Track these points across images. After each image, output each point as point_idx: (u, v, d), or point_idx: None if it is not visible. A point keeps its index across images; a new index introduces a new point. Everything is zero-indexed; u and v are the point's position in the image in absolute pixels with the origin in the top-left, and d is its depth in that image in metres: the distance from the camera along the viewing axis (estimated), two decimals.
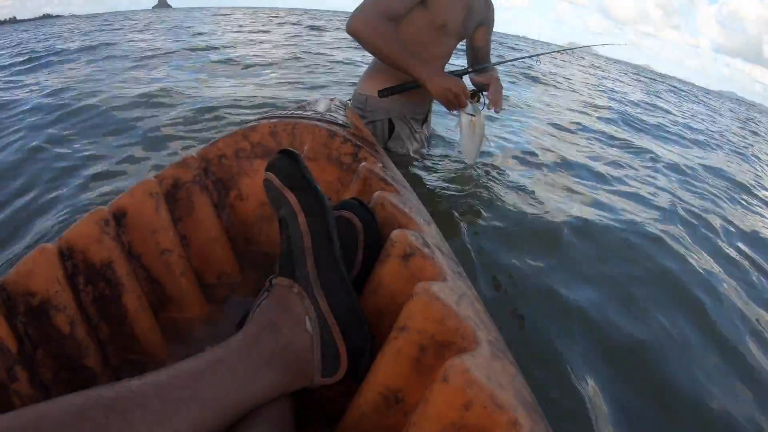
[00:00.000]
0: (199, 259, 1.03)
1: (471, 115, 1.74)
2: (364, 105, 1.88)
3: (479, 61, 2.08)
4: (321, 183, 1.04)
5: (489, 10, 2.01)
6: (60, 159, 2.32)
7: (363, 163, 1.00)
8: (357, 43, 1.63)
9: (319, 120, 1.17)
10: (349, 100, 1.99)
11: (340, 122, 1.21)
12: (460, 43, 2.02)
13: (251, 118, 1.44)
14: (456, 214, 1.77)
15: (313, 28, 12.55)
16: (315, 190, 0.73)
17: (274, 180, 0.75)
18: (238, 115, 2.97)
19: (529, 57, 2.16)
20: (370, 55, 1.77)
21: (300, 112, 1.24)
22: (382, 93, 1.75)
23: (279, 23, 13.20)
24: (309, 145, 1.12)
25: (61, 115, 3.07)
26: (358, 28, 1.59)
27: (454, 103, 1.62)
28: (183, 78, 4.24)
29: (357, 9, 1.60)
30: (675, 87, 18.67)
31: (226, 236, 1.08)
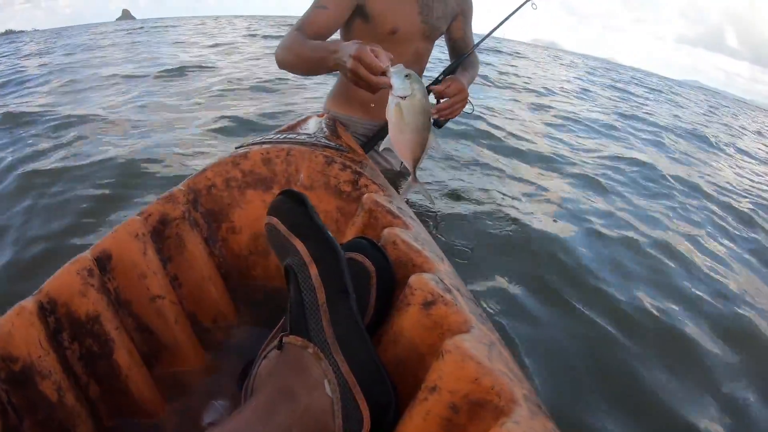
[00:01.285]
0: (193, 302, 0.96)
1: (399, 97, 1.01)
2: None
3: (459, 55, 1.78)
4: (320, 213, 0.98)
5: None
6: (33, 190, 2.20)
7: (367, 194, 0.94)
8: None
9: (314, 144, 1.10)
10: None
11: (336, 145, 1.14)
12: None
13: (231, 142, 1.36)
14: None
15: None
16: (327, 237, 0.67)
17: (279, 226, 0.68)
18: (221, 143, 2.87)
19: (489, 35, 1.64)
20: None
21: (293, 135, 1.16)
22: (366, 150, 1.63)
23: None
24: (305, 172, 1.05)
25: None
26: (275, 55, 1.42)
27: (361, 75, 1.04)
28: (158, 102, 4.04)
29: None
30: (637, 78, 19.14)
31: (219, 274, 1.01)
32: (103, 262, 0.85)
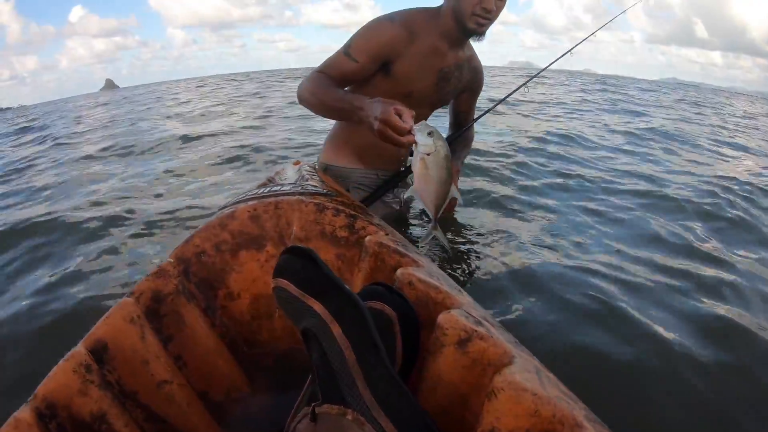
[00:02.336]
0: (202, 379, 0.90)
1: (424, 153, 1.11)
2: (325, 173, 1.77)
3: (458, 126, 1.91)
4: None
5: (475, 74, 1.79)
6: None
7: (369, 237, 0.90)
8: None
9: (301, 193, 1.06)
10: (315, 163, 1.87)
11: (324, 191, 1.10)
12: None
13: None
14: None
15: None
16: (345, 291, 0.63)
17: (290, 287, 0.64)
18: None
19: (499, 103, 1.75)
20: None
21: (276, 187, 1.12)
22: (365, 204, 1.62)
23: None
24: (297, 224, 1.01)
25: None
26: (298, 92, 1.51)
27: (388, 136, 1.14)
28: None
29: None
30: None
31: (224, 344, 0.95)
32: (100, 353, 0.78)
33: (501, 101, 1.99)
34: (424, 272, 0.79)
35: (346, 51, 1.51)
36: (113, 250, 2.14)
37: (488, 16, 1.45)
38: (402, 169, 1.78)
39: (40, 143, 6.61)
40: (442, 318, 0.65)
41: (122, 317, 0.82)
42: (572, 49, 1.99)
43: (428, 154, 1.10)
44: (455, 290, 0.79)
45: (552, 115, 7.05)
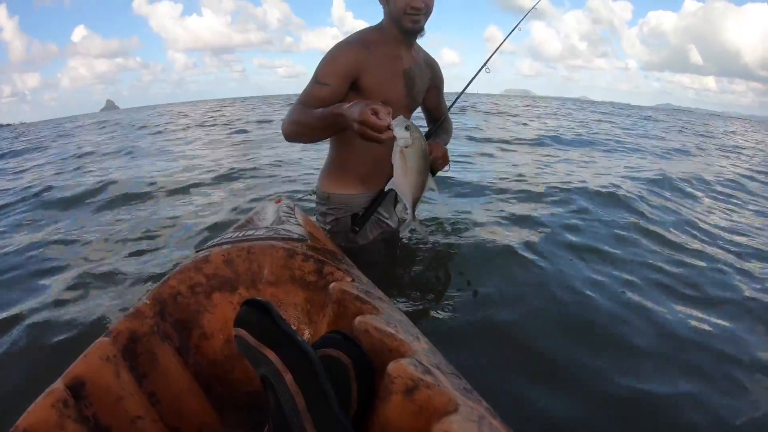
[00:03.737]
0: (174, 416, 0.95)
1: (403, 146, 1.21)
2: (327, 202, 1.84)
3: (434, 121, 2.03)
4: (288, 306, 1.01)
5: (433, 69, 1.94)
6: None
7: (333, 284, 0.97)
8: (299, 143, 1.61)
9: (272, 238, 1.12)
10: (299, 199, 1.93)
11: (296, 235, 1.17)
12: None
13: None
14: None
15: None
16: (297, 342, 0.69)
17: (248, 337, 0.70)
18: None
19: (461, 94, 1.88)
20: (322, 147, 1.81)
21: (251, 231, 1.19)
22: (355, 229, 1.74)
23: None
24: (268, 268, 1.08)
25: None
26: (282, 130, 1.58)
27: (368, 135, 1.20)
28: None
29: None
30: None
31: (197, 383, 1.01)
32: (77, 389, 0.83)
33: (462, 91, 2.11)
34: (382, 320, 0.85)
35: (316, 80, 1.61)
36: (90, 286, 2.19)
37: (419, 12, 1.60)
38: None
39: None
40: (391, 367, 0.71)
41: (99, 356, 0.87)
42: (485, 63, 2.10)
43: (407, 147, 1.19)
44: (412, 337, 0.85)
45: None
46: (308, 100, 1.57)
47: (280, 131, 1.59)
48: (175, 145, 8.55)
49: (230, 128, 11.31)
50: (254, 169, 5.14)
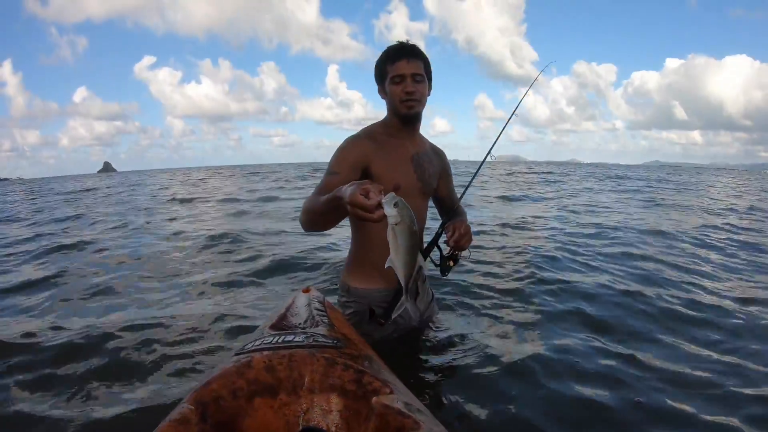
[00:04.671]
0: None
1: (393, 223, 1.24)
2: (347, 294, 1.91)
3: (448, 211, 2.10)
4: (328, 414, 1.04)
5: (440, 157, 2.06)
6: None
7: (376, 398, 1.01)
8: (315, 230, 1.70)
9: (312, 346, 1.17)
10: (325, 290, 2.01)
11: (333, 342, 1.22)
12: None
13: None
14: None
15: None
16: None
17: None
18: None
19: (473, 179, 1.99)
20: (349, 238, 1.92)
21: (290, 336, 1.23)
22: (381, 321, 1.80)
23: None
24: (309, 376, 1.12)
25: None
26: (300, 221, 1.67)
27: (360, 216, 1.24)
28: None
29: None
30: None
31: None
32: None
33: (471, 181, 2.19)
34: None
35: (329, 171, 1.74)
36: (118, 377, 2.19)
37: (412, 97, 1.77)
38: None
39: None
40: None
41: None
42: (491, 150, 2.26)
43: (396, 224, 1.22)
44: None
45: None
46: (322, 189, 1.65)
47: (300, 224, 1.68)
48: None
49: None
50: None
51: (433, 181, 1.99)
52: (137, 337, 2.66)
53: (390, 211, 1.19)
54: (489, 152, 2.23)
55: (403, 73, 1.75)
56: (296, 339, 1.21)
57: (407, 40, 1.84)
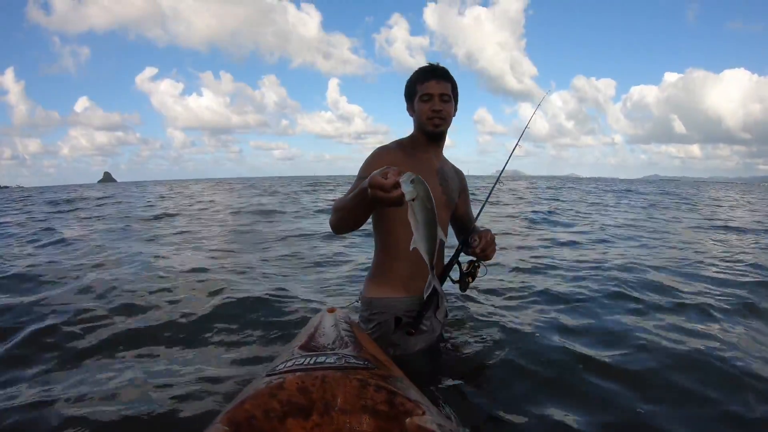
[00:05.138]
0: None
1: (410, 200, 1.27)
2: (369, 308, 1.93)
3: (465, 230, 2.16)
4: None
5: (460, 176, 2.16)
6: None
7: (410, 420, 1.01)
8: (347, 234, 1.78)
9: (345, 368, 1.18)
10: (356, 301, 2.08)
11: (364, 364, 1.23)
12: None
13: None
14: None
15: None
16: None
17: None
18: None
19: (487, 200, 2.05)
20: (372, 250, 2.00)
21: (323, 358, 1.25)
22: (411, 331, 1.83)
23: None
24: (342, 397, 1.12)
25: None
26: (330, 223, 1.75)
27: (378, 197, 1.28)
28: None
29: None
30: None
31: None
32: None
33: (486, 200, 2.30)
34: None
35: (359, 176, 1.81)
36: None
37: (439, 115, 1.87)
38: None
39: None
40: None
41: None
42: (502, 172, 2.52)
43: (413, 200, 1.26)
44: None
45: None
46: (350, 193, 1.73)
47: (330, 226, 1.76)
48: None
49: None
50: None
51: (455, 196, 2.09)
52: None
53: (406, 188, 1.24)
54: (498, 179, 2.55)
55: (431, 92, 1.86)
56: (328, 360, 1.23)
57: (437, 63, 1.95)
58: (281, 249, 6.34)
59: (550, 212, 11.53)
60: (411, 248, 1.36)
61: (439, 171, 1.98)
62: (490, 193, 2.32)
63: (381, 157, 1.87)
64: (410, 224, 1.33)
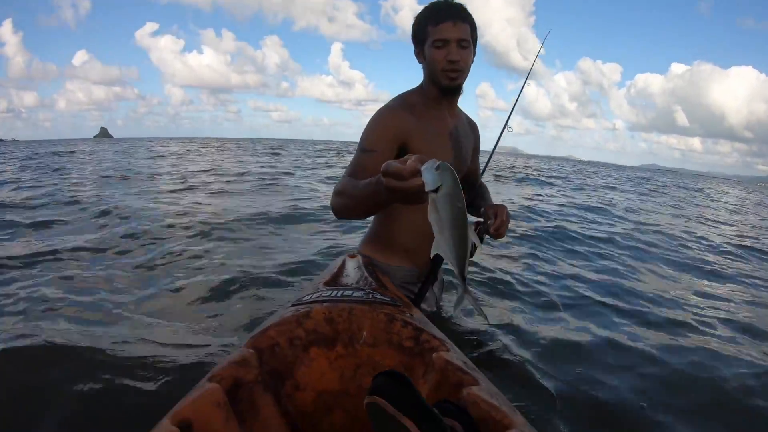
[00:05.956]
0: None
1: (432, 192, 0.90)
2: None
3: (470, 186, 1.92)
4: (384, 369, 1.04)
5: (474, 131, 1.89)
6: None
7: (437, 354, 1.01)
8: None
9: (372, 302, 1.18)
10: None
11: (391, 301, 1.22)
12: None
13: None
14: None
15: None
16: (439, 419, 0.73)
17: (386, 406, 0.74)
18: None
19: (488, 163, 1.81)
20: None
21: (348, 292, 1.24)
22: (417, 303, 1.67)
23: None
24: (368, 330, 1.12)
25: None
26: (331, 206, 1.48)
27: (393, 187, 0.94)
28: None
29: None
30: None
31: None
32: (184, 429, 0.87)
33: (491, 156, 1.97)
34: (486, 392, 0.88)
35: (362, 148, 1.53)
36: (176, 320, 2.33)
37: (455, 66, 1.53)
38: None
39: None
40: None
41: (210, 402, 0.92)
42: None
43: (436, 191, 0.90)
44: (510, 410, 0.89)
45: None
46: (356, 171, 1.49)
47: (331, 208, 1.49)
48: None
49: None
50: None
51: (468, 158, 1.82)
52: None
53: (428, 176, 0.89)
54: (506, 124, 1.99)
55: (447, 37, 1.51)
56: (356, 294, 1.22)
57: None
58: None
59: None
60: (432, 254, 1.00)
61: (452, 133, 1.69)
62: (487, 163, 1.98)
63: (389, 123, 1.56)
64: (431, 223, 0.96)
